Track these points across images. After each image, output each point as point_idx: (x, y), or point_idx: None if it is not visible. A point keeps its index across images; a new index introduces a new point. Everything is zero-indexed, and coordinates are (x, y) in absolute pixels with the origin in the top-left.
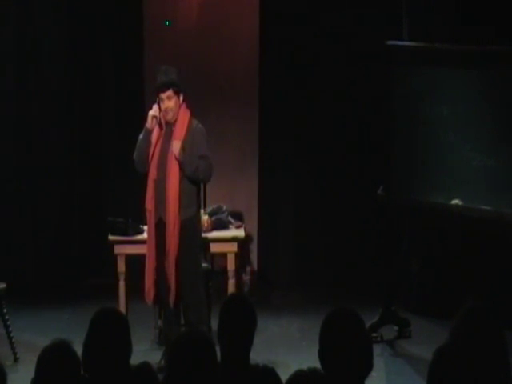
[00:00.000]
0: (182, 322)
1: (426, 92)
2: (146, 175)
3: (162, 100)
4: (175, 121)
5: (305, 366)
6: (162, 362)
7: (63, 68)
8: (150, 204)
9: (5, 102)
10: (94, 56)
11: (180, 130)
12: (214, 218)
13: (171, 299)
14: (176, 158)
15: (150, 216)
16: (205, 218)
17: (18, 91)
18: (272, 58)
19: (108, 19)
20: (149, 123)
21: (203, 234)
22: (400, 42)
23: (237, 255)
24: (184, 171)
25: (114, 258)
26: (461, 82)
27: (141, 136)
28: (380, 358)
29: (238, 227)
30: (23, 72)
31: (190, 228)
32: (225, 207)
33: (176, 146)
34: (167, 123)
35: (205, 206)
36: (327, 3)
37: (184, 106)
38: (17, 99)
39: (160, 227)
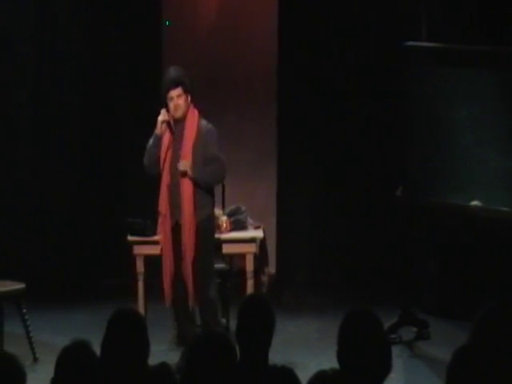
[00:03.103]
0: (197, 322)
1: (445, 93)
2: (159, 178)
3: (172, 98)
4: (185, 122)
5: (323, 367)
6: (181, 362)
7: (81, 70)
8: (164, 208)
9: (22, 101)
10: (112, 57)
11: (191, 132)
12: (232, 219)
13: (190, 301)
14: (188, 177)
15: (165, 220)
16: (223, 218)
17: (36, 91)
18: (291, 58)
19: (126, 20)
20: (158, 128)
21: (221, 235)
22: (418, 43)
23: (255, 256)
24: (198, 186)
25: (133, 259)
26: (479, 83)
27: (150, 141)
28: (399, 359)
29: (256, 228)
30: (40, 72)
31: (205, 229)
32: (243, 208)
33: (185, 165)
34: (176, 122)
35: (224, 207)
36: (346, 3)
37: (192, 106)
38: (34, 99)
39: (176, 230)
